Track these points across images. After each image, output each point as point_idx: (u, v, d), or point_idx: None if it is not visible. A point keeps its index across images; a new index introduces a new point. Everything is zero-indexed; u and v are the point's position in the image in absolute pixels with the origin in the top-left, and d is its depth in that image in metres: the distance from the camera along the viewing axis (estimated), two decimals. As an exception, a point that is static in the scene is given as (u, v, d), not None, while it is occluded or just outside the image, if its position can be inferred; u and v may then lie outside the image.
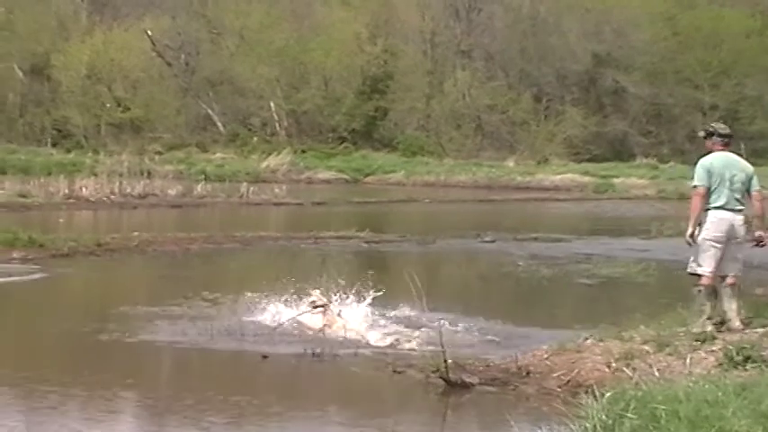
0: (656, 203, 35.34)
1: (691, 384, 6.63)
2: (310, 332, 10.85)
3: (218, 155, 49.02)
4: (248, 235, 20.50)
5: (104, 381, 9.13)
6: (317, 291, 11.35)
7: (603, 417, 6.13)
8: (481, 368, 9.14)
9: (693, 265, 9.39)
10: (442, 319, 10.18)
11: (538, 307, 14.29)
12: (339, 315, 11.07)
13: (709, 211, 9.32)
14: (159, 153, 45.79)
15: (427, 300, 9.69)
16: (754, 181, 9.51)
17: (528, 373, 8.98)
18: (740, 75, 56.72)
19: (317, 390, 9.34)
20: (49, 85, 55.97)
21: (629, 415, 6.01)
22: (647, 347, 8.85)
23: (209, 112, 57.07)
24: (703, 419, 5.80)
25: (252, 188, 32.25)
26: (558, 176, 44.87)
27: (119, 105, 54.66)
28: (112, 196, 29.01)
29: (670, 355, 8.67)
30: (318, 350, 9.92)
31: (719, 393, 6.30)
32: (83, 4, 60.09)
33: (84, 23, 58.64)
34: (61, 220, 24.07)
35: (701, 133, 9.69)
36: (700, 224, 9.32)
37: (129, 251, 17.80)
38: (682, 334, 9.07)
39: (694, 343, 8.83)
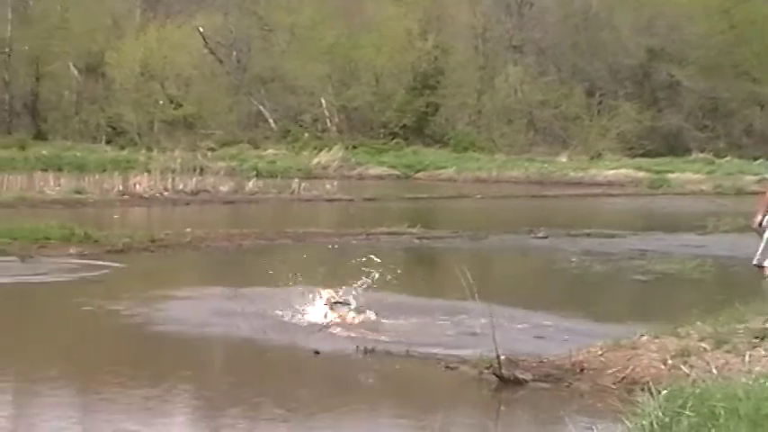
0: (715, 199, 34.80)
1: (750, 382, 6.50)
2: (360, 330, 10.85)
3: (270, 151, 49.25)
4: (300, 231, 20.56)
5: (162, 373, 9.33)
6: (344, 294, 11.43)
7: (660, 414, 6.02)
8: (534, 364, 9.05)
9: (761, 257, 9.25)
10: (493, 315, 10.10)
11: (591, 303, 14.13)
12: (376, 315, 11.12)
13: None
14: (211, 150, 46.13)
15: (479, 295, 9.61)
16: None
17: (582, 370, 8.87)
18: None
19: (369, 385, 9.34)
20: (104, 83, 56.72)
21: (686, 413, 5.90)
22: (704, 344, 8.71)
23: (261, 108, 57.41)
24: (764, 418, 5.68)
25: (303, 184, 32.33)
26: (612, 172, 44.49)
27: (171, 102, 55.18)
28: (165, 193, 29.27)
29: (728, 352, 8.52)
30: (371, 347, 9.92)
31: (780, 391, 6.17)
32: (136, 2, 60.77)
33: (137, 21, 59.30)
34: (115, 217, 24.35)
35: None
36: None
37: (183, 247, 17.96)
38: (740, 331, 8.92)
39: (753, 340, 8.67)
